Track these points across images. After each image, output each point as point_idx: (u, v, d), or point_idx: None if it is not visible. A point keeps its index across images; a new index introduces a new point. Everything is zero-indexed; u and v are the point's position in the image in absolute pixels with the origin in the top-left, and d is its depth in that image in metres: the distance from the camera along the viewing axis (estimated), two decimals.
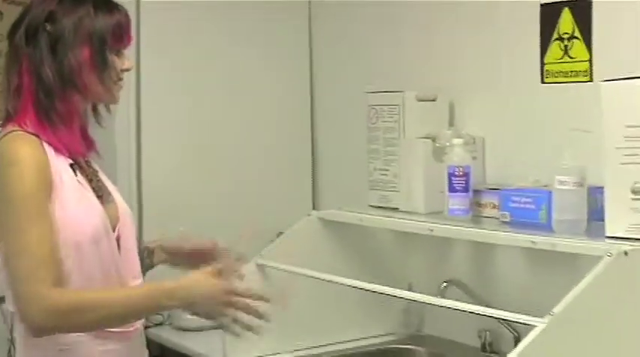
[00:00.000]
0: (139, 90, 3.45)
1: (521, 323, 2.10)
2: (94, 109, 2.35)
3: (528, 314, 2.07)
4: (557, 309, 1.99)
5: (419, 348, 3.05)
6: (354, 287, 2.64)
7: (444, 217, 2.77)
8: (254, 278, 2.88)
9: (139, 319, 2.28)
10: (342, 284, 2.68)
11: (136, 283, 2.30)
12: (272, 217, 3.54)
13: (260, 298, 2.26)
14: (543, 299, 2.07)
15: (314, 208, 3.53)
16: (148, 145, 3.49)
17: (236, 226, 3.48)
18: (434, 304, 2.50)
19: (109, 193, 2.33)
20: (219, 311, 2.22)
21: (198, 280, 2.21)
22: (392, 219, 2.89)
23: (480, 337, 2.90)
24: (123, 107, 3.19)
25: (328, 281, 2.72)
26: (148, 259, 2.45)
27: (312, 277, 2.76)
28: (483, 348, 2.89)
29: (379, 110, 3.08)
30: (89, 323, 2.15)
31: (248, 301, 2.23)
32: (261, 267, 2.90)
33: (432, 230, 2.70)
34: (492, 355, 2.84)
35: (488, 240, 2.61)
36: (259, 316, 2.25)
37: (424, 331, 3.17)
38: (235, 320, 2.23)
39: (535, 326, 1.99)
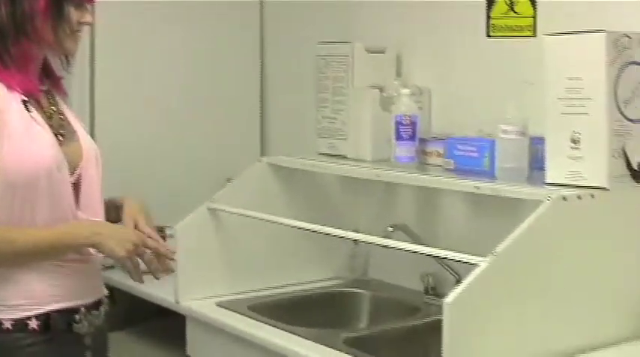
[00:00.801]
0: (93, 50, 3.47)
1: (463, 262, 2.17)
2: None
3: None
4: (499, 249, 2.07)
5: (364, 291, 3.12)
6: (302, 229, 2.71)
7: (390, 164, 2.83)
8: (206, 222, 2.96)
9: (62, 254, 2.23)
10: (290, 226, 2.75)
11: None
12: (221, 163, 3.62)
13: (165, 254, 2.30)
14: (486, 244, 2.14)
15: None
16: (101, 95, 3.50)
17: (186, 173, 3.59)
18: (378, 245, 2.57)
19: (74, 132, 2.32)
20: (125, 250, 2.20)
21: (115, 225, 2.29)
22: (342, 165, 2.94)
23: (423, 281, 2.97)
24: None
25: (277, 223, 2.79)
26: (114, 213, 2.37)
27: (261, 219, 2.84)
28: (426, 291, 2.97)
29: (329, 60, 3.13)
30: (11, 257, 2.16)
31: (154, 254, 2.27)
32: (212, 211, 2.96)
33: (378, 176, 2.78)
34: (435, 297, 2.90)
35: (434, 185, 2.67)
36: (165, 269, 2.33)
37: (369, 275, 3.25)
38: (137, 266, 2.26)
39: (477, 266, 2.07)
